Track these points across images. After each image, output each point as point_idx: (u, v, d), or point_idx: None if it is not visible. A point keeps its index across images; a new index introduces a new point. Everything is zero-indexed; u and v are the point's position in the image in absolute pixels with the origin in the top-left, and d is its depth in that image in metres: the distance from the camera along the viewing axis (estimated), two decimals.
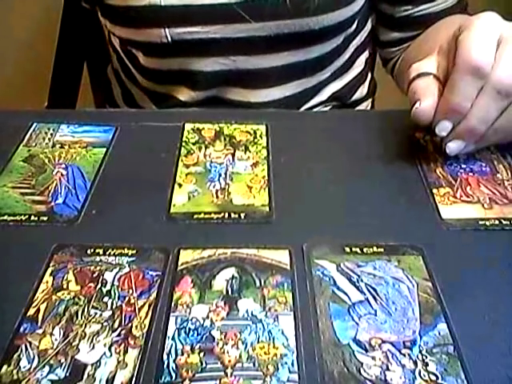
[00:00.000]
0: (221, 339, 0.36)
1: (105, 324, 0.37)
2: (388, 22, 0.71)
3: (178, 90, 0.69)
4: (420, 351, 0.36)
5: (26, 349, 0.36)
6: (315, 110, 0.72)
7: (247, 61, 0.66)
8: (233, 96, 0.69)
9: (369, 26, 0.74)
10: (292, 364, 0.35)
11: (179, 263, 0.42)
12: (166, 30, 0.62)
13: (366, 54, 0.76)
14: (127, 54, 0.71)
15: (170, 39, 0.63)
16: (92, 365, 0.35)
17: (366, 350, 0.36)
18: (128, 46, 0.69)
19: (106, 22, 0.67)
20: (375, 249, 0.43)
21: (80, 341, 0.36)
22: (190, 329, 0.37)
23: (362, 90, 0.77)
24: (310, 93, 0.71)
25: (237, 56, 0.65)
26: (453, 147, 0.49)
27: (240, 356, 0.35)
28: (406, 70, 0.50)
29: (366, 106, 0.79)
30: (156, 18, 0.62)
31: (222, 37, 0.63)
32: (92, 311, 0.38)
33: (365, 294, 0.39)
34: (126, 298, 0.39)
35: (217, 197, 0.48)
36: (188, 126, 0.57)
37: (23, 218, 0.46)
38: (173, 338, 0.36)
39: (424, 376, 0.34)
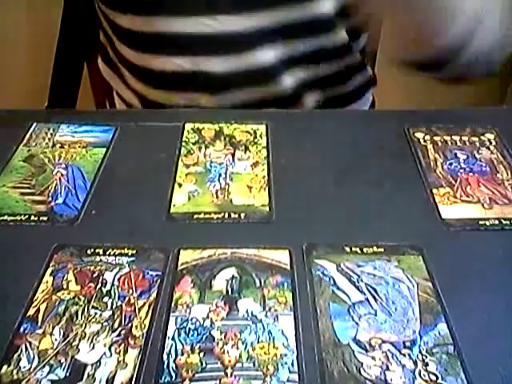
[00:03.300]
0: (221, 339, 0.36)
1: (105, 324, 0.37)
2: None
3: (161, 60, 0.65)
4: (420, 351, 0.36)
5: (26, 349, 0.36)
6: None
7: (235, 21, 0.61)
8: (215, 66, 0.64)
9: None
10: (292, 364, 0.35)
11: (179, 263, 0.42)
12: None
13: None
14: (111, 24, 0.68)
15: None
16: (92, 365, 0.35)
17: (366, 350, 0.36)
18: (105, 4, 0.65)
19: None
20: (375, 249, 0.43)
21: (80, 341, 0.36)
22: (190, 329, 0.37)
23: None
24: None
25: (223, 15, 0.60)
26: None
27: (240, 356, 0.35)
28: None
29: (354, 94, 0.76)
30: None
31: None
32: (92, 311, 0.38)
33: (365, 294, 0.39)
34: (126, 298, 0.39)
35: (217, 197, 0.48)
36: (188, 126, 0.57)
37: (23, 217, 0.46)
38: (173, 338, 0.36)
39: (424, 376, 0.34)
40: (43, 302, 0.39)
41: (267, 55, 0.64)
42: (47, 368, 0.35)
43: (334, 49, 0.67)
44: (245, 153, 0.53)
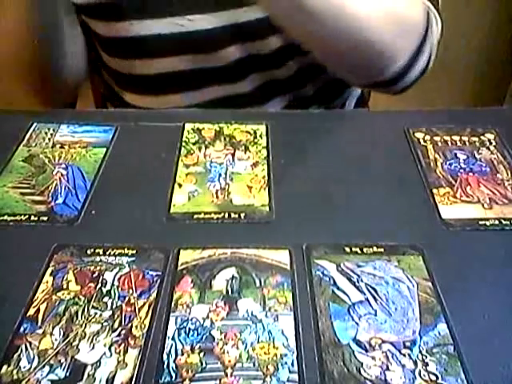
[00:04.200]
0: (221, 339, 0.36)
1: (105, 324, 0.37)
2: None
3: (137, 65, 0.65)
4: (420, 351, 0.36)
5: (26, 349, 0.36)
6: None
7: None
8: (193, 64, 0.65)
9: None
10: (292, 364, 0.35)
11: (179, 263, 0.42)
12: None
13: None
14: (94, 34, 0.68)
15: None
16: (92, 365, 0.35)
17: (366, 350, 0.36)
18: (83, 14, 0.65)
19: None
20: (375, 249, 0.43)
21: (80, 341, 0.36)
22: (190, 329, 0.37)
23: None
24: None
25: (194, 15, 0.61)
26: None
27: (240, 356, 0.35)
28: None
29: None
30: None
31: None
32: (92, 311, 0.38)
33: (365, 294, 0.39)
34: (126, 298, 0.39)
35: (217, 197, 0.48)
36: (188, 126, 0.57)
37: (23, 217, 0.46)
38: (173, 338, 0.36)
39: (424, 376, 0.34)
40: (43, 301, 0.39)
41: (234, 53, 0.64)
42: (47, 368, 0.35)
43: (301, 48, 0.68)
44: (245, 153, 0.53)
